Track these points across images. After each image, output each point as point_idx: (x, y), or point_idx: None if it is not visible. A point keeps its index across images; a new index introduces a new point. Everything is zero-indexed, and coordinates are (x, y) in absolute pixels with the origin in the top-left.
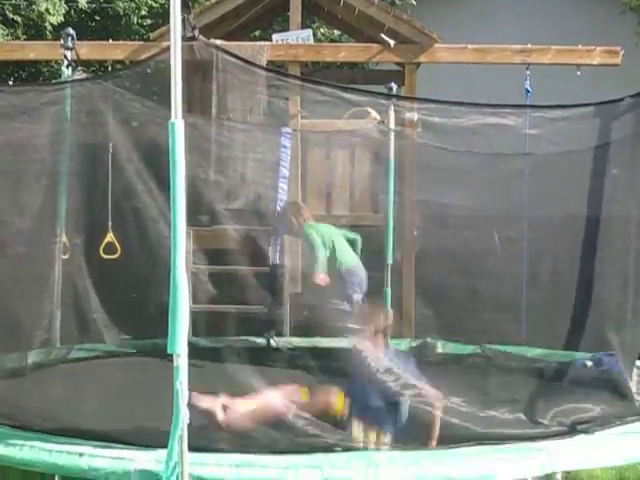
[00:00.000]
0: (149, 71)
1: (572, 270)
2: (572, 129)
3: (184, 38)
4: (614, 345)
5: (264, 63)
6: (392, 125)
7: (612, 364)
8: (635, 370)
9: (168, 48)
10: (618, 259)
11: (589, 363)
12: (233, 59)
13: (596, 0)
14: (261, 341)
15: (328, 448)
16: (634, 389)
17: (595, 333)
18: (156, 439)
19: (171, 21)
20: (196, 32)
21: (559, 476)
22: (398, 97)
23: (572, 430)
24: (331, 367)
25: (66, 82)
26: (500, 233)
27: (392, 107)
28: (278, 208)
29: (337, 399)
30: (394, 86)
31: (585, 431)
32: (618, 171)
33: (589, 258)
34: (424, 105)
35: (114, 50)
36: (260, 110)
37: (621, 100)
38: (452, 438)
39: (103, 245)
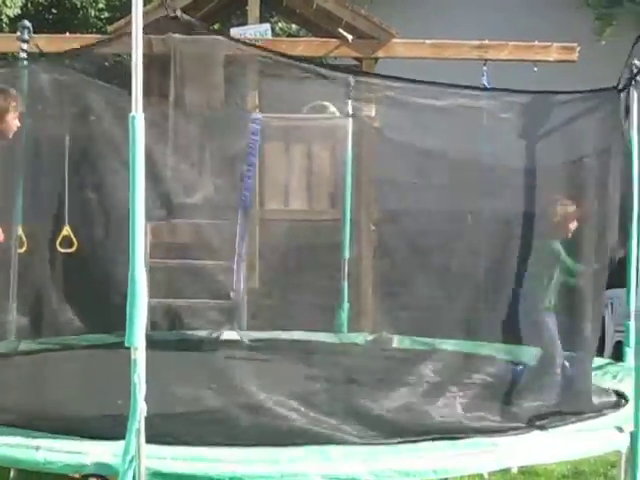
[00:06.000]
0: (107, 64)
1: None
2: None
3: (166, 17)
4: (574, 343)
5: (222, 57)
6: (349, 118)
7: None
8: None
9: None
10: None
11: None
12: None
13: None
14: (218, 334)
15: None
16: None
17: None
18: (113, 432)
19: (133, 12)
20: (178, 11)
21: (515, 470)
22: (363, 74)
23: (528, 426)
24: (291, 358)
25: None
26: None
27: (349, 101)
28: (243, 198)
29: None
30: (352, 79)
31: (541, 427)
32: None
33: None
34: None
35: (72, 43)
36: (218, 103)
37: (598, 91)
38: (407, 432)
39: (60, 239)
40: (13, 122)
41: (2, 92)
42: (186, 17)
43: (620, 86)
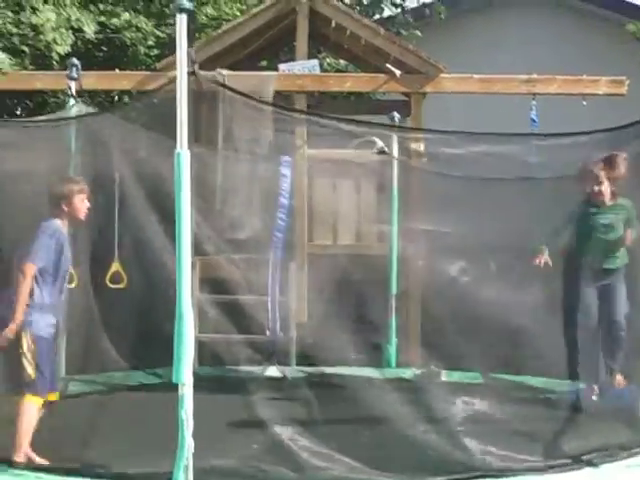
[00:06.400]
0: (155, 101)
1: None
2: (578, 157)
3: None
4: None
5: (271, 93)
6: (395, 154)
7: (618, 393)
8: None
9: (174, 79)
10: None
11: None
12: (234, 94)
13: (602, 28)
14: (264, 370)
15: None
16: None
17: (601, 363)
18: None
19: (177, 52)
20: (196, 67)
21: None
22: (398, 127)
23: (577, 462)
24: (337, 395)
25: (71, 118)
26: (496, 261)
27: (395, 137)
28: (274, 239)
29: None
30: (396, 115)
31: (590, 464)
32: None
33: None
34: (425, 135)
35: (121, 80)
36: (266, 142)
37: (628, 126)
38: (455, 470)
39: (109, 274)
40: (80, 205)
41: (65, 180)
42: (203, 74)
43: None
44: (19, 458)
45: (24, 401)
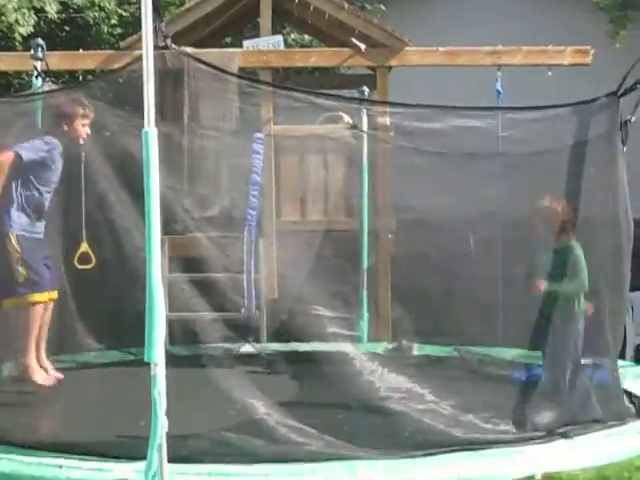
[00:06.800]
0: (120, 81)
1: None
2: (546, 130)
3: (156, 47)
4: (596, 348)
5: (235, 70)
6: (365, 128)
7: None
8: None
9: (140, 57)
10: (597, 258)
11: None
12: (204, 67)
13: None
14: (238, 347)
15: (311, 456)
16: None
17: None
18: (136, 450)
19: (143, 29)
20: (168, 41)
21: (539, 477)
22: (369, 101)
23: (551, 434)
24: (312, 371)
25: (36, 94)
26: (474, 235)
27: (364, 111)
28: (248, 217)
29: None
30: (366, 90)
31: (565, 435)
32: (595, 170)
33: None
34: (396, 109)
35: (85, 60)
36: (233, 117)
37: (597, 99)
38: (430, 443)
39: (77, 255)
40: (81, 129)
41: (73, 101)
42: (176, 47)
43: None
44: (29, 361)
45: (24, 303)
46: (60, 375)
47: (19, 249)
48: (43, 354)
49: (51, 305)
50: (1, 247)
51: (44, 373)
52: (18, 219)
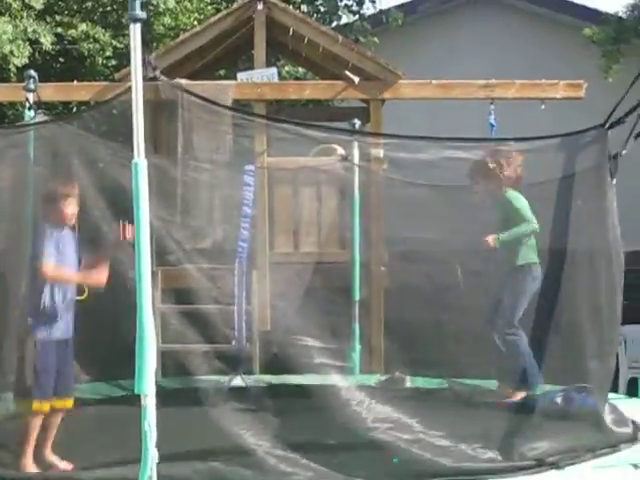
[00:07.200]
0: (115, 112)
1: (540, 303)
2: (536, 161)
3: (146, 78)
4: (585, 378)
5: (229, 102)
6: (356, 161)
7: (583, 400)
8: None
9: (130, 88)
10: (586, 291)
11: (559, 400)
12: (196, 99)
13: (560, 32)
14: (230, 380)
15: None
16: (607, 418)
17: (564, 366)
18: None
19: (132, 61)
20: (157, 72)
21: None
22: (360, 132)
23: (541, 464)
24: (302, 402)
25: (29, 125)
26: (463, 267)
27: (356, 143)
28: (239, 249)
29: None
30: (357, 122)
31: (555, 466)
32: (582, 202)
33: (555, 291)
34: (387, 140)
35: (79, 91)
36: (226, 149)
37: (585, 131)
38: (422, 473)
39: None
40: (67, 208)
41: (53, 183)
42: (165, 79)
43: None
44: (26, 467)
45: (28, 408)
46: (70, 467)
47: (35, 353)
48: (49, 451)
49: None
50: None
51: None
52: (43, 322)
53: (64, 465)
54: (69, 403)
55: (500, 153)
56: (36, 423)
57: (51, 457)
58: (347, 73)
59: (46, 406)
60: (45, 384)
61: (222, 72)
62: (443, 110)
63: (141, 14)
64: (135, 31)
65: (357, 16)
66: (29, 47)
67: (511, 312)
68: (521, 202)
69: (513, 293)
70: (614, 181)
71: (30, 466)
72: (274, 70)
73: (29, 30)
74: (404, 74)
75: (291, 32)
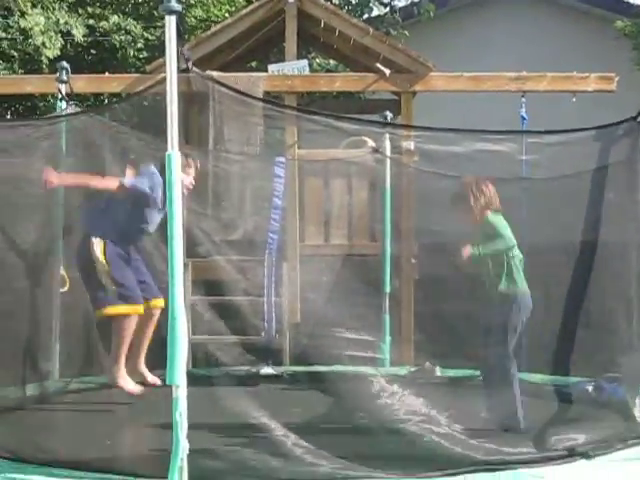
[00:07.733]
0: (145, 104)
1: (571, 295)
2: (568, 154)
3: (178, 70)
4: (616, 370)
5: (260, 94)
6: (388, 153)
7: (613, 389)
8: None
9: (164, 80)
10: (618, 284)
11: (590, 389)
12: (227, 90)
13: (591, 25)
14: (258, 370)
15: (328, 477)
16: (637, 413)
17: (595, 358)
18: (157, 470)
19: (167, 53)
20: (190, 64)
21: None
22: (392, 125)
23: (572, 454)
24: (331, 393)
25: (61, 116)
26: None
27: (387, 135)
28: (269, 240)
29: None
30: (389, 114)
31: (585, 456)
32: (614, 195)
33: (586, 282)
34: (418, 132)
35: (110, 83)
36: (257, 140)
37: (618, 124)
38: (451, 464)
39: None
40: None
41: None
42: (197, 70)
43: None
44: (120, 378)
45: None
46: (158, 381)
47: (105, 261)
48: (141, 362)
49: (156, 315)
50: (90, 258)
51: (131, 382)
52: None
53: (151, 379)
54: (160, 302)
55: (477, 183)
56: (131, 326)
57: (142, 368)
58: (378, 65)
59: (140, 309)
60: (129, 288)
61: (253, 64)
62: (474, 103)
63: (176, 6)
64: (170, 23)
65: (388, 8)
66: (61, 39)
67: (502, 344)
68: (499, 222)
69: (500, 324)
70: None
71: (123, 376)
72: (305, 62)
73: (61, 22)
74: (435, 66)
75: (322, 24)
